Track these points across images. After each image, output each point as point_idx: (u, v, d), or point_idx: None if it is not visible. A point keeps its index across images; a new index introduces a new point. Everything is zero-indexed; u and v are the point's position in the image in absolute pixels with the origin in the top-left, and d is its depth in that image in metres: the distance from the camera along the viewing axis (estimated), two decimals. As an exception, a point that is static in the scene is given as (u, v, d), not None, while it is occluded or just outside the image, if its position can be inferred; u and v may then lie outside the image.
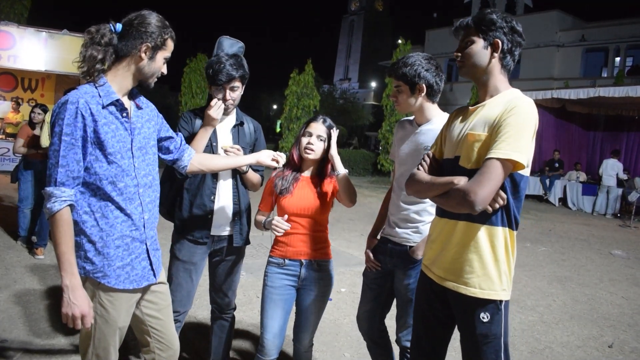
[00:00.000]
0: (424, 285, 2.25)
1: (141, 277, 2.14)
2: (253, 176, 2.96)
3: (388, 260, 2.76)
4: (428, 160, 2.21)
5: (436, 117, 2.66)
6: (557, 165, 15.68)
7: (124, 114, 2.07)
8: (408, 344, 2.71)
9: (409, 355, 2.71)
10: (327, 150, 2.70)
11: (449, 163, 2.10)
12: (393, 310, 2.91)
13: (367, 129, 40.62)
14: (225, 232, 2.93)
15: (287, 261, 2.73)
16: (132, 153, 2.08)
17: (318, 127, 2.70)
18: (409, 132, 2.75)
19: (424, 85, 2.59)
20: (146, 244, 2.16)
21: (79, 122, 1.93)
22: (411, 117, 2.81)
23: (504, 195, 1.91)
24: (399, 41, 20.91)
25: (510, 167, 1.86)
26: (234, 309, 3.17)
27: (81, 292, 1.95)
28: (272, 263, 2.76)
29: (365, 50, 63.17)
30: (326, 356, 3.88)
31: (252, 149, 2.99)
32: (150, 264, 2.18)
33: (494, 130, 1.90)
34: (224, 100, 2.79)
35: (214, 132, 2.85)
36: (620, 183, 14.07)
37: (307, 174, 2.77)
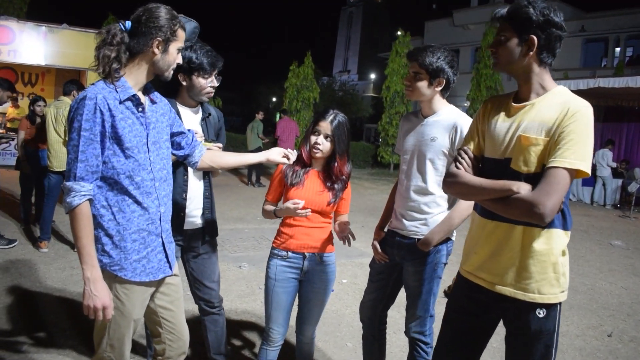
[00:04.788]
0: (463, 292, 2.16)
1: (157, 270, 2.18)
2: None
3: (396, 253, 2.77)
4: (468, 158, 2.08)
5: (443, 109, 2.70)
6: (556, 156, 15.65)
7: (140, 109, 2.10)
8: (417, 335, 2.74)
9: (419, 347, 2.74)
10: (334, 149, 2.69)
11: (497, 164, 1.99)
12: (400, 302, 2.95)
13: (366, 120, 40.55)
14: (198, 225, 2.93)
15: (290, 254, 2.74)
16: (147, 147, 2.11)
17: (326, 126, 2.67)
18: (415, 124, 2.78)
19: (443, 80, 2.64)
20: (162, 237, 2.19)
21: (98, 117, 1.95)
22: (416, 110, 2.84)
23: (563, 200, 1.84)
24: (398, 33, 20.87)
25: (575, 175, 1.80)
26: (222, 300, 3.16)
27: (102, 284, 1.98)
28: (275, 255, 2.77)
29: (364, 42, 62.92)
30: (328, 346, 3.93)
31: (216, 138, 3.01)
32: (166, 256, 2.22)
33: (554, 135, 1.82)
34: (213, 87, 2.81)
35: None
36: (618, 173, 14.08)
37: (317, 168, 2.77)
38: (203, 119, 2.95)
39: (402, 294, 2.87)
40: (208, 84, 2.79)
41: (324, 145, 2.68)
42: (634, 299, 5.73)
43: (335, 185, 2.74)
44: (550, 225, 1.89)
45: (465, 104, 20.16)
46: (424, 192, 2.67)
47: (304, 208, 2.61)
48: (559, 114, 1.84)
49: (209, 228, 2.98)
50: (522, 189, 1.81)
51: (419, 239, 2.67)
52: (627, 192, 13.41)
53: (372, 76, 51.60)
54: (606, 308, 5.32)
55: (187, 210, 2.85)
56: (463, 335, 2.16)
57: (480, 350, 2.18)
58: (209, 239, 3.00)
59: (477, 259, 2.07)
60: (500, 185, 1.86)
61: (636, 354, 4.23)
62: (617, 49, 28.89)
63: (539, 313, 1.94)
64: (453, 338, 2.19)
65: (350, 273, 5.85)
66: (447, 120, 2.65)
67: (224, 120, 3.15)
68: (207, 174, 2.96)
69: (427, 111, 2.73)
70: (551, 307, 1.95)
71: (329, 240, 2.80)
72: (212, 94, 2.87)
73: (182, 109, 2.86)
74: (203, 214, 2.93)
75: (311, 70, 19.79)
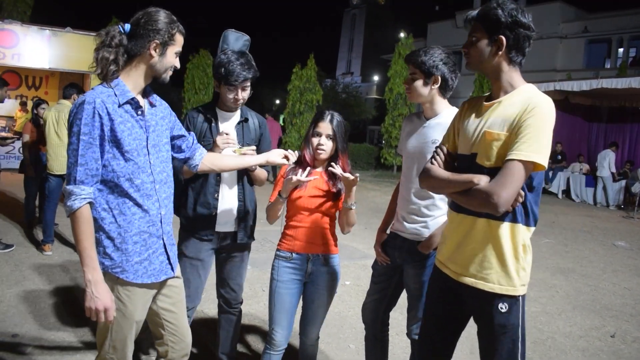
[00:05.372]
0: (437, 281, 2.26)
1: (159, 272, 2.19)
2: (261, 172, 3.00)
3: (397, 255, 2.77)
4: (442, 154, 2.20)
5: (445, 111, 2.68)
6: (559, 157, 15.65)
7: (139, 112, 2.12)
8: (418, 337, 2.74)
9: None
10: (336, 148, 2.71)
11: (465, 159, 2.09)
12: (403, 303, 2.95)
13: (369, 122, 40.56)
14: (230, 228, 2.97)
15: (294, 255, 2.75)
16: (147, 150, 2.13)
17: (326, 126, 2.69)
18: (417, 125, 2.76)
19: (439, 77, 2.61)
20: (163, 239, 2.21)
21: (97, 121, 1.98)
22: (419, 112, 2.84)
23: (522, 192, 1.92)
24: (401, 34, 20.87)
25: (531, 168, 1.87)
26: (241, 303, 3.21)
27: (103, 286, 2.01)
28: (280, 257, 2.78)
29: (367, 44, 62.96)
30: (331, 348, 3.93)
31: (258, 144, 3.03)
32: (168, 258, 2.24)
33: (514, 130, 1.90)
34: (235, 100, 2.85)
35: (217, 129, 2.89)
36: (617, 179, 14.01)
37: (319, 170, 2.78)
38: (239, 123, 2.98)
39: (404, 296, 2.88)
40: (232, 95, 2.83)
41: (327, 145, 2.69)
42: (637, 299, 5.72)
43: (339, 184, 2.75)
44: (511, 219, 1.98)
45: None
46: (424, 194, 2.65)
47: (299, 214, 2.64)
48: (519, 109, 1.92)
49: (243, 231, 3.01)
50: (482, 180, 1.90)
51: (419, 242, 2.67)
52: (631, 193, 13.40)
53: (375, 78, 51.63)
54: (609, 309, 5.31)
55: (219, 211, 2.90)
56: (440, 320, 2.27)
57: (456, 335, 2.28)
58: (242, 242, 3.02)
59: (447, 250, 2.19)
60: (464, 178, 1.96)
61: (639, 354, 4.22)
62: (620, 50, 28.86)
63: (502, 308, 2.01)
64: (432, 323, 2.30)
65: (353, 275, 5.86)
66: (448, 122, 2.62)
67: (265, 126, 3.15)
68: (242, 178, 2.98)
69: (429, 113, 2.72)
70: (513, 301, 2.02)
71: (333, 241, 2.81)
72: (238, 105, 2.90)
73: (219, 113, 2.95)
74: (237, 217, 2.97)
75: (314, 72, 19.75)
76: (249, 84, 2.85)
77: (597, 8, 30.08)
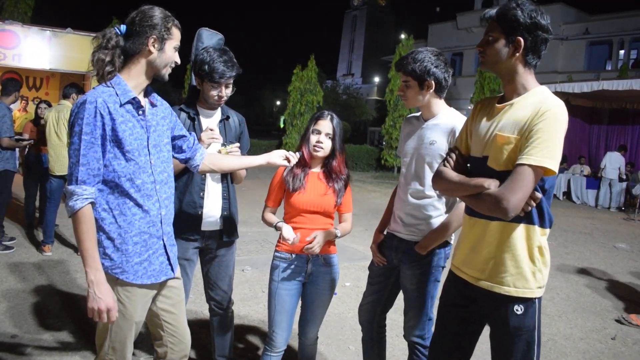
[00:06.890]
0: (452, 285, 2.23)
1: (159, 272, 2.19)
2: (242, 171, 3.01)
3: (393, 256, 2.76)
4: (454, 156, 2.18)
5: (442, 112, 2.68)
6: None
7: (140, 112, 2.11)
8: (416, 339, 2.72)
9: (419, 350, 2.73)
10: (334, 147, 2.73)
11: (477, 162, 2.08)
12: (400, 305, 2.95)
13: (370, 124, 40.60)
14: (216, 227, 2.96)
15: (294, 256, 2.75)
16: (148, 150, 2.13)
17: (326, 125, 2.71)
18: (416, 127, 2.76)
19: (432, 82, 2.59)
20: (163, 240, 2.21)
21: (98, 121, 1.97)
22: (417, 113, 2.83)
23: (539, 195, 1.89)
24: (402, 36, 20.89)
25: (542, 172, 1.84)
26: (232, 303, 3.20)
27: (106, 287, 2.00)
28: (279, 258, 2.78)
29: (368, 46, 63.13)
30: (331, 349, 3.93)
31: (238, 141, 3.02)
32: (168, 259, 2.23)
33: (525, 134, 1.87)
34: (219, 98, 2.84)
35: (200, 127, 2.88)
36: (622, 179, 14.01)
37: (316, 170, 2.79)
38: (221, 121, 2.98)
39: (402, 297, 2.87)
40: (216, 93, 2.82)
41: (325, 143, 2.71)
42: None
43: (336, 185, 2.76)
44: (527, 221, 1.95)
45: (469, 107, 20.16)
46: (422, 195, 2.65)
47: (298, 216, 2.69)
48: (531, 113, 1.89)
49: (228, 229, 3.00)
50: (492, 185, 1.88)
51: (416, 242, 2.66)
52: (632, 195, 13.38)
53: (376, 79, 51.70)
54: (610, 311, 5.30)
55: (204, 210, 2.88)
56: (455, 326, 2.22)
57: (473, 340, 2.24)
58: (227, 240, 3.01)
59: (461, 254, 2.17)
60: (475, 182, 1.95)
61: (640, 357, 4.22)
62: (621, 52, 28.89)
63: (517, 310, 1.98)
64: (446, 330, 2.26)
65: (353, 276, 5.85)
66: (446, 123, 2.63)
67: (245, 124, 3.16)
68: (226, 176, 2.98)
69: (427, 114, 2.72)
70: (529, 304, 1.99)
71: (331, 241, 2.81)
72: (221, 102, 2.89)
73: (200, 111, 2.92)
74: (222, 215, 2.96)
75: (315, 73, 19.82)
76: (231, 80, 2.85)
77: (598, 10, 30.14)
